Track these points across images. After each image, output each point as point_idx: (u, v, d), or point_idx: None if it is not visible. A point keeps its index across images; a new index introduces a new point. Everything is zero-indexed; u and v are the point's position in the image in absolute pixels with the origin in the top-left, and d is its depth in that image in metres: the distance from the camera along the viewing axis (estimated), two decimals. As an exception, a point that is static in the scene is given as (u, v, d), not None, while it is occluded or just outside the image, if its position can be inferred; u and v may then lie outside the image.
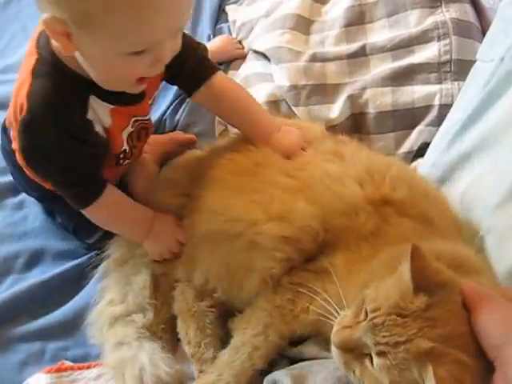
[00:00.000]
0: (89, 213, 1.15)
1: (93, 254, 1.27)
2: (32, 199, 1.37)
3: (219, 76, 1.20)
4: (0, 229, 1.37)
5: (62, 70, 1.03)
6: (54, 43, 1.01)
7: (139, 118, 1.19)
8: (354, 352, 0.82)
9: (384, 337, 0.77)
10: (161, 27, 0.93)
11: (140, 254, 1.23)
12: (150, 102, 1.21)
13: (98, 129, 1.09)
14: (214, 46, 1.62)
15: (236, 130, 1.31)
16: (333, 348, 0.84)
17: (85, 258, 1.29)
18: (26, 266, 1.32)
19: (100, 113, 1.09)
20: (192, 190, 1.19)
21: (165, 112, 1.54)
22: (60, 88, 1.03)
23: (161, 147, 1.42)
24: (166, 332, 1.17)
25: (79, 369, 1.13)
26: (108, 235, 1.26)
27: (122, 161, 1.20)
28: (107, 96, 1.08)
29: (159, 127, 1.52)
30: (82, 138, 1.06)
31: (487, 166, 1.06)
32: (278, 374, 0.97)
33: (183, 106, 1.54)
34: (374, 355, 0.78)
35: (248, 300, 1.10)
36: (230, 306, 1.14)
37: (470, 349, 0.75)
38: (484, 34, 1.35)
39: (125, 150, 1.19)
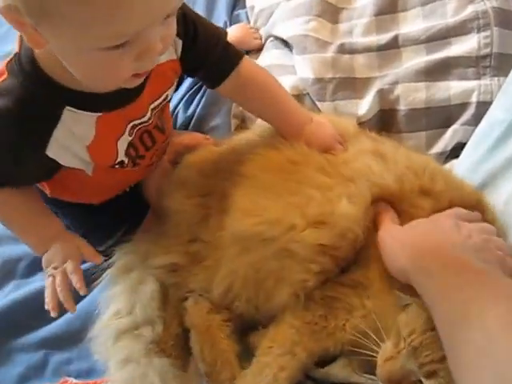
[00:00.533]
0: None
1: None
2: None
3: (245, 62, 1.09)
4: (0, 229, 1.30)
5: (36, 74, 0.90)
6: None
7: (137, 123, 1.04)
8: (404, 383, 0.83)
9: (427, 356, 0.79)
10: (139, 17, 0.76)
11: (149, 262, 1.16)
12: (156, 103, 1.05)
13: (61, 155, 0.97)
14: (230, 35, 1.53)
15: (256, 123, 1.27)
16: None
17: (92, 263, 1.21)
18: (29, 271, 1.28)
19: (79, 128, 0.95)
20: (214, 187, 1.13)
21: (177, 104, 1.48)
22: (26, 101, 0.90)
23: (182, 149, 1.31)
24: (175, 349, 1.11)
25: (84, 387, 1.10)
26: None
27: (117, 166, 1.08)
28: (91, 103, 0.94)
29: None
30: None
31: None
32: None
33: (198, 98, 1.47)
34: (423, 379, 0.80)
35: (274, 312, 1.05)
36: (250, 319, 1.09)
37: None
38: None
39: (122, 161, 1.07)
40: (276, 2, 1.61)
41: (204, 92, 1.48)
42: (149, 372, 1.04)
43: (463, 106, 1.31)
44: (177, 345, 1.11)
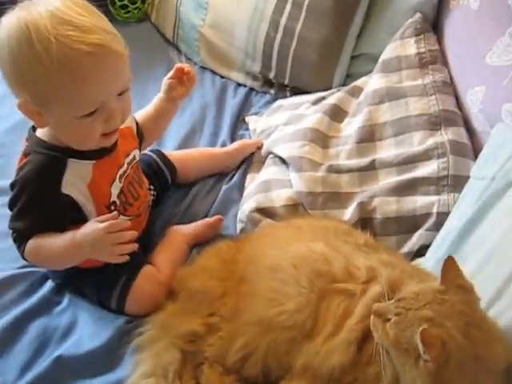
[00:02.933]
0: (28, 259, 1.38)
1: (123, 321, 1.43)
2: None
3: None
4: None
5: (43, 145, 1.34)
6: (38, 131, 1.37)
7: (121, 172, 1.44)
8: (381, 317, 1.09)
9: (403, 305, 1.07)
10: (101, 92, 1.25)
11: (173, 335, 1.35)
12: (129, 158, 1.49)
13: (72, 191, 1.35)
14: (233, 146, 1.89)
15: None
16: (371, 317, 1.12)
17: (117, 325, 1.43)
18: (63, 337, 1.42)
19: (81, 171, 1.36)
20: (232, 272, 1.38)
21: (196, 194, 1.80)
22: (40, 160, 1.33)
23: (198, 235, 1.64)
24: None
25: None
26: (124, 293, 1.44)
27: (112, 208, 1.43)
28: (86, 155, 1.36)
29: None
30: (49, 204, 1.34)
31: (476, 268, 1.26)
32: None
33: (213, 195, 1.80)
34: (393, 316, 1.06)
35: (282, 374, 1.25)
36: (254, 381, 1.29)
37: (465, 334, 1.03)
38: (476, 153, 1.58)
39: (114, 202, 1.43)
40: (275, 125, 1.88)
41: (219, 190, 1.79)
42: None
43: (426, 216, 1.52)
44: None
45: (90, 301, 1.49)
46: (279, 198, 1.65)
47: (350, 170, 1.68)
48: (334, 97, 1.90)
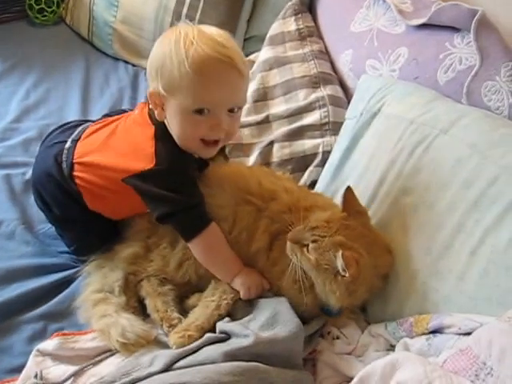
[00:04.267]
0: (193, 245, 1.49)
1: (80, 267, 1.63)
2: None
3: None
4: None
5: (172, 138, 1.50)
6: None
7: None
8: (299, 244, 1.34)
9: (318, 233, 1.31)
10: (215, 95, 1.42)
11: (117, 259, 1.56)
12: None
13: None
14: None
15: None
16: (287, 243, 1.36)
17: (74, 270, 1.64)
18: (29, 277, 1.61)
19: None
20: None
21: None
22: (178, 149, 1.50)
23: None
24: (134, 314, 1.48)
25: (79, 334, 1.45)
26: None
27: None
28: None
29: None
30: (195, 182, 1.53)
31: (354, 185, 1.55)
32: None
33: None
34: (310, 243, 1.30)
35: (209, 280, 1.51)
36: (186, 291, 1.52)
37: (367, 251, 1.32)
38: (349, 104, 1.87)
39: None
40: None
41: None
42: (119, 319, 1.42)
43: (314, 155, 1.83)
44: (135, 313, 1.49)
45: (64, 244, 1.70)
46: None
47: (249, 125, 1.95)
48: (231, 70, 2.18)
